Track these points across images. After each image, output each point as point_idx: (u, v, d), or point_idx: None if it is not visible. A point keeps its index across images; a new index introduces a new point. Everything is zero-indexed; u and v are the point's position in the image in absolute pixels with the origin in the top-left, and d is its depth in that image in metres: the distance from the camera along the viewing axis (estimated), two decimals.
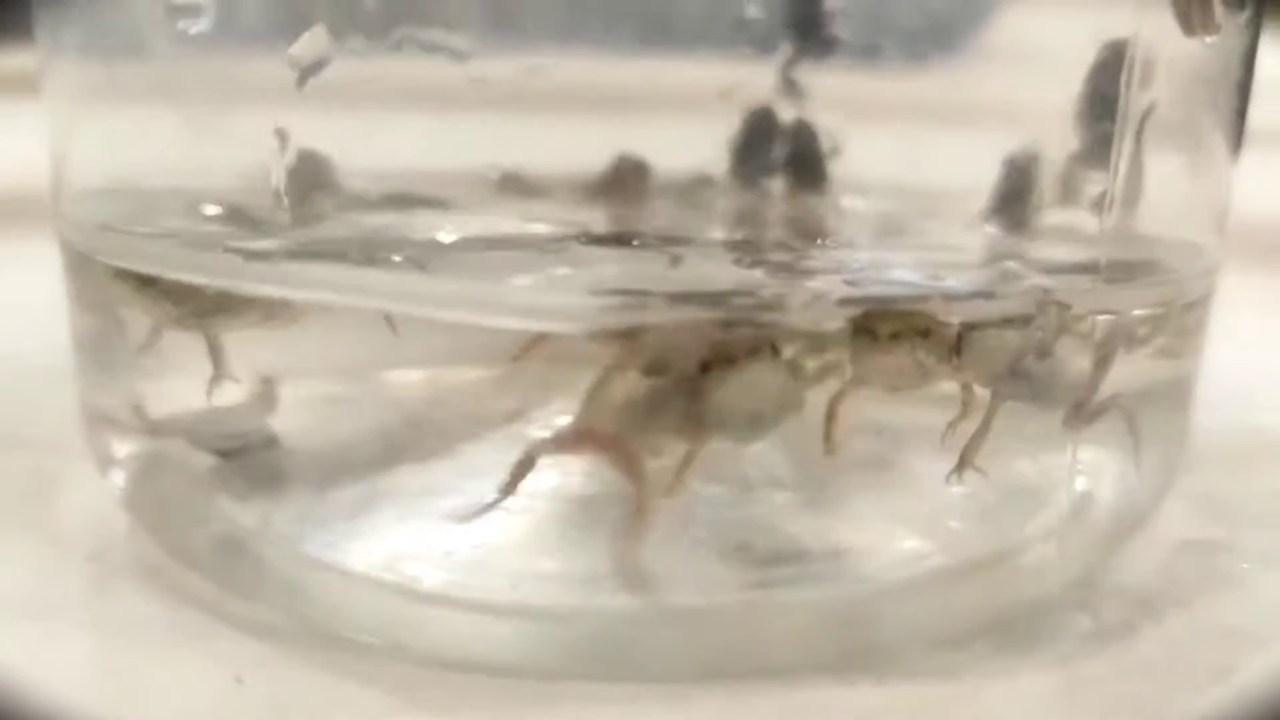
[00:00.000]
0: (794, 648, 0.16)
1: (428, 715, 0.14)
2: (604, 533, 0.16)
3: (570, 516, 0.16)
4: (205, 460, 0.18)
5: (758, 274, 0.18)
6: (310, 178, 0.16)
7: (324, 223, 0.17)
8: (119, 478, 0.18)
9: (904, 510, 0.17)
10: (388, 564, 0.16)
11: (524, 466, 0.15)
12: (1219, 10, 0.15)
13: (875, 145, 0.17)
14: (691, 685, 0.15)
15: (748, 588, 0.16)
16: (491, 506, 0.15)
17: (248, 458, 0.18)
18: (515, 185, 0.18)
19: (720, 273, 0.18)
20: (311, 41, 0.14)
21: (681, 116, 0.17)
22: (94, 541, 0.18)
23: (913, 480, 0.17)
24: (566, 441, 0.15)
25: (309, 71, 0.14)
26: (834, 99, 0.17)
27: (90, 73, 0.17)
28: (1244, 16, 0.17)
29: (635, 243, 0.18)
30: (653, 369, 0.14)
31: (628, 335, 0.15)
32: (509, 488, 0.15)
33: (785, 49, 0.18)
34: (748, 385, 0.15)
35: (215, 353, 0.17)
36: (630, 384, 0.14)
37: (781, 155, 0.19)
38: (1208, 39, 0.15)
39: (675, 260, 0.18)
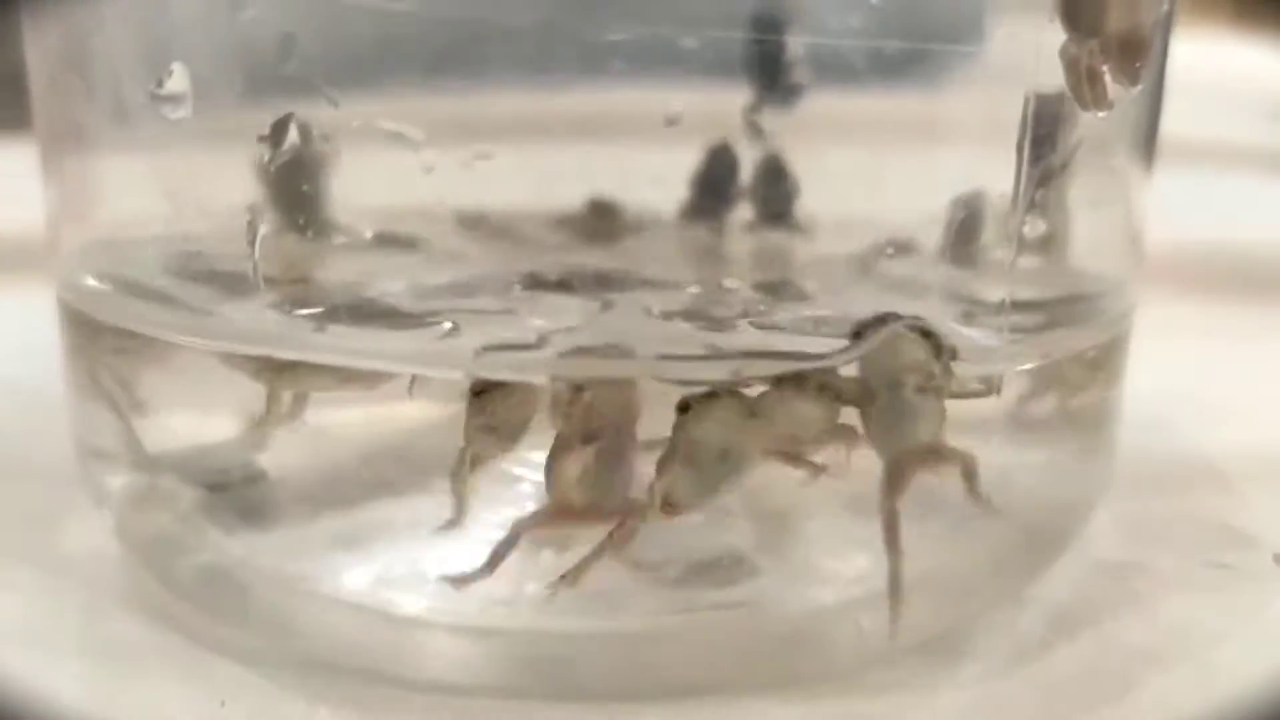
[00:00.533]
0: (732, 667, 0.17)
1: None
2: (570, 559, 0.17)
3: (539, 542, 0.18)
4: (194, 493, 0.19)
5: (681, 326, 0.18)
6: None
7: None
8: (111, 509, 0.20)
9: (835, 533, 0.18)
10: (368, 590, 0.17)
11: (508, 545, 0.16)
12: (1110, 87, 0.16)
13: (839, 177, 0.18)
14: (634, 703, 0.16)
15: (687, 609, 0.17)
16: (475, 578, 0.16)
17: (235, 491, 0.19)
18: (474, 224, 0.19)
19: (644, 325, 0.18)
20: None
21: (643, 148, 0.18)
22: (88, 570, 0.19)
23: (843, 504, 0.18)
24: (545, 519, 0.16)
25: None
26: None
27: (78, 135, 0.19)
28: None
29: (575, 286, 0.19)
30: (589, 436, 0.15)
31: (566, 402, 0.16)
32: (493, 564, 0.16)
33: (748, 95, 0.19)
34: (718, 423, 0.16)
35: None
36: (580, 455, 0.16)
37: (740, 191, 0.20)
38: (1100, 114, 0.17)
39: (606, 306, 0.19)
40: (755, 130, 0.19)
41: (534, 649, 0.17)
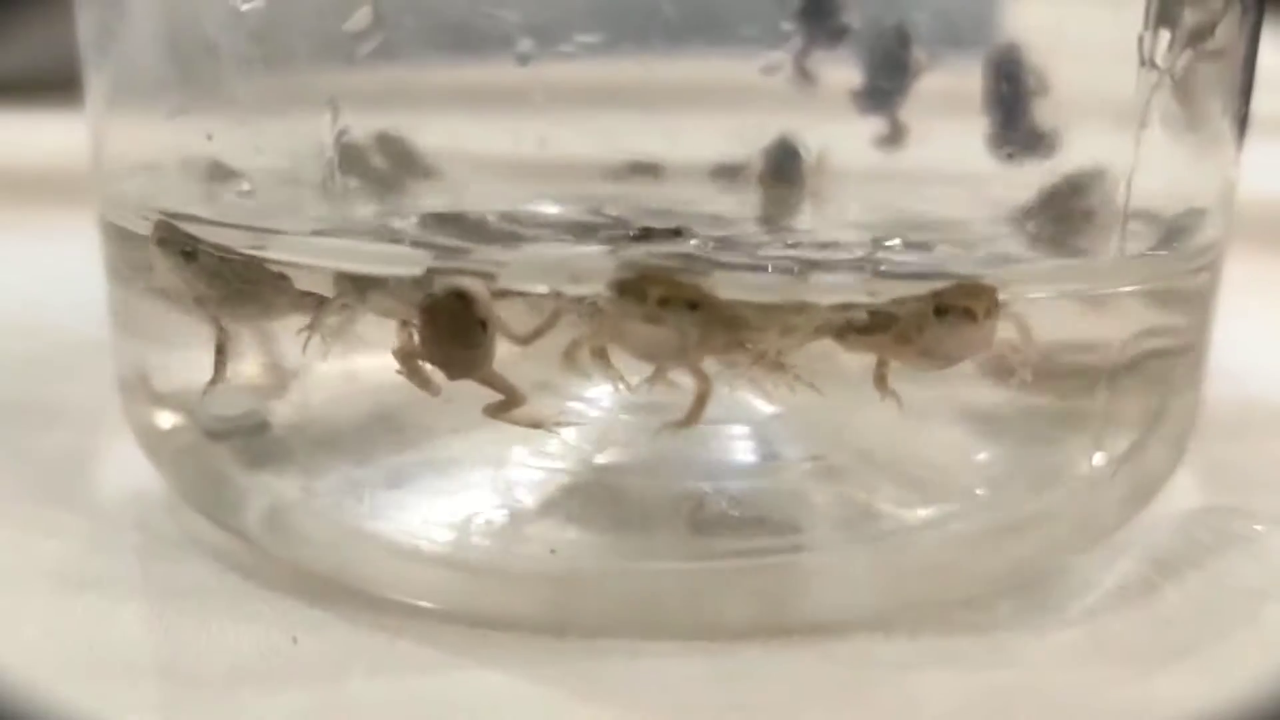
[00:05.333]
0: (835, 604, 0.16)
1: (482, 669, 0.15)
2: (628, 500, 0.17)
3: (596, 485, 0.17)
4: (242, 437, 0.18)
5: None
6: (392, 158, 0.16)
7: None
8: (155, 449, 0.19)
9: (935, 478, 0.17)
10: (429, 532, 0.17)
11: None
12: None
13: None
14: (736, 639, 0.15)
15: (790, 550, 0.16)
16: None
17: (240, 439, 0.18)
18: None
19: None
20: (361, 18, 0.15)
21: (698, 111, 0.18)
22: (136, 512, 0.18)
23: (943, 449, 0.17)
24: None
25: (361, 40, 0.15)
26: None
27: (134, 56, 0.18)
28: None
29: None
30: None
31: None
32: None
33: (797, 40, 0.18)
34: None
35: (220, 349, 0.18)
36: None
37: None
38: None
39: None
40: (805, 76, 0.19)
41: (598, 588, 0.16)
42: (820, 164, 0.20)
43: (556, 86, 0.16)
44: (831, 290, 0.16)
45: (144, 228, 0.18)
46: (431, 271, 0.15)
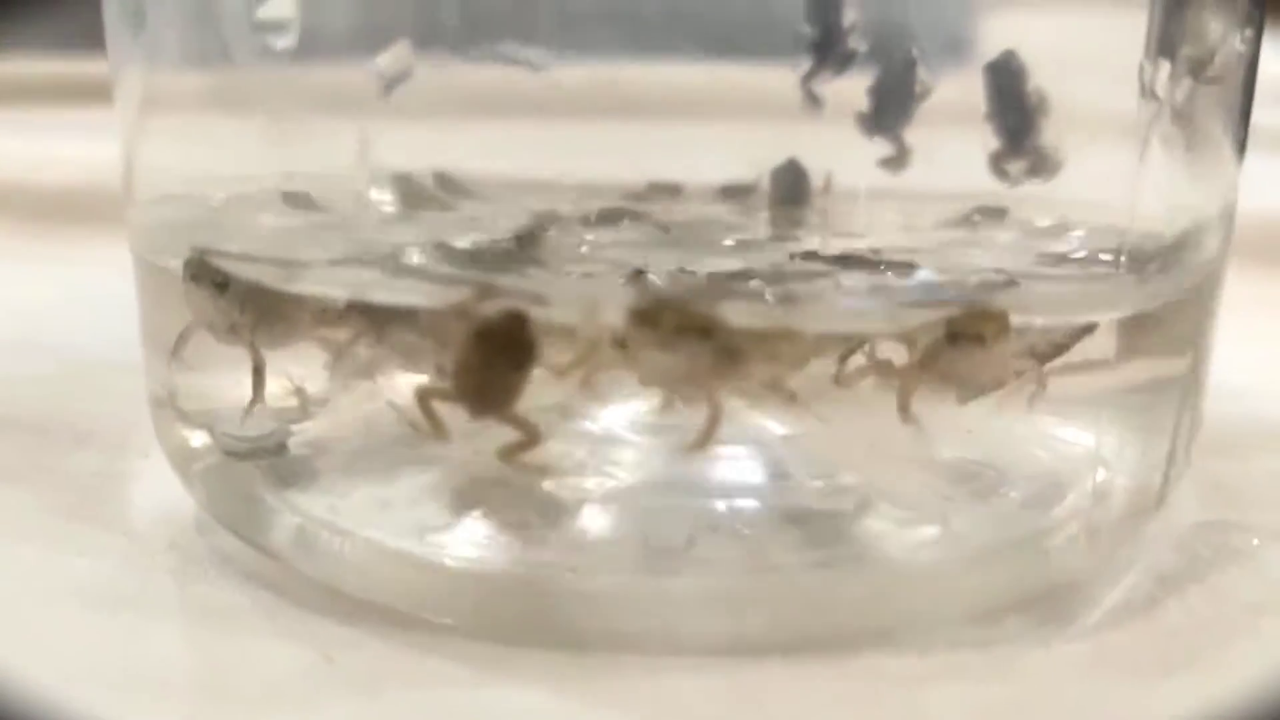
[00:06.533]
0: (846, 621, 0.17)
1: (510, 686, 0.16)
2: (643, 519, 0.17)
3: (612, 505, 0.18)
4: (272, 456, 0.19)
5: None
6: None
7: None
8: (187, 469, 0.19)
9: (943, 497, 0.18)
10: (453, 550, 0.17)
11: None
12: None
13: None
14: (753, 654, 0.16)
15: (801, 567, 0.17)
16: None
17: (266, 459, 0.19)
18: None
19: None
20: (396, 55, 0.16)
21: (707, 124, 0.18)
22: (169, 532, 0.19)
23: (950, 469, 0.18)
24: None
25: (394, 82, 0.15)
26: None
27: (164, 81, 0.18)
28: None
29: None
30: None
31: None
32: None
33: (804, 63, 0.19)
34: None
35: (258, 371, 0.18)
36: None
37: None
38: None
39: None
40: (812, 99, 0.19)
41: (620, 605, 0.17)
42: (827, 185, 0.20)
43: (572, 98, 0.17)
44: (856, 318, 0.17)
45: (175, 264, 0.18)
46: (482, 293, 0.16)
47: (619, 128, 0.18)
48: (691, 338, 0.15)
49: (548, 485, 0.18)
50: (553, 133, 0.17)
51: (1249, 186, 0.19)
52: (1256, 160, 0.20)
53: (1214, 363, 0.20)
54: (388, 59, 0.16)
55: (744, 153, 0.19)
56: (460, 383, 0.16)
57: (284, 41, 0.16)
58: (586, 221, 0.20)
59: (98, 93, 0.20)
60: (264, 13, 0.16)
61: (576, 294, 0.16)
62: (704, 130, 0.18)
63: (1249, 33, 0.18)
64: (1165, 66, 0.17)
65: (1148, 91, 0.17)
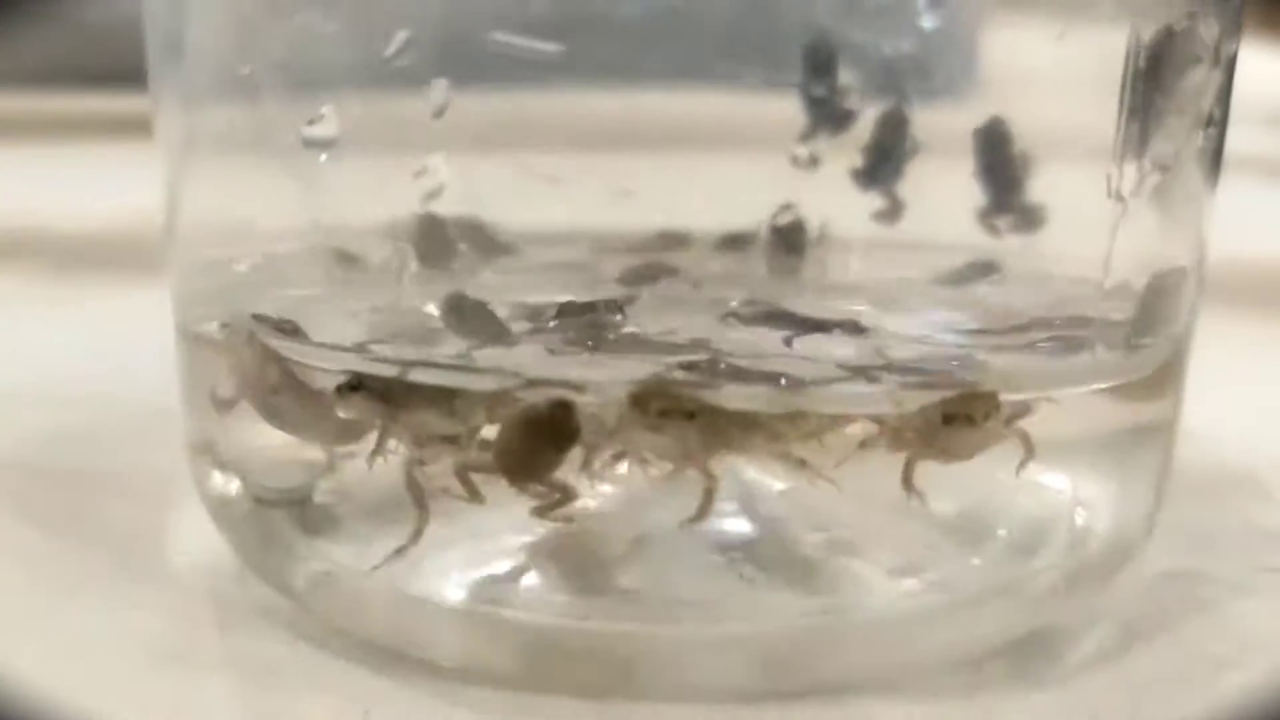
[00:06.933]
0: (839, 667, 0.18)
1: None
2: (652, 571, 0.19)
3: (623, 558, 0.19)
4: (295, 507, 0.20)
5: None
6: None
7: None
8: (223, 517, 0.21)
9: (931, 550, 0.19)
10: (474, 598, 0.19)
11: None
12: None
13: None
14: (752, 703, 0.17)
15: (799, 616, 0.18)
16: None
17: (290, 510, 0.20)
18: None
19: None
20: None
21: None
22: (210, 583, 0.20)
23: (938, 524, 0.19)
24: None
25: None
26: None
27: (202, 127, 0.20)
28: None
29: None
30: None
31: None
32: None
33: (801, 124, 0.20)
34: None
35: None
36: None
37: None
38: None
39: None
40: (810, 158, 0.20)
41: (638, 653, 0.18)
42: (823, 236, 0.22)
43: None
44: (859, 402, 0.18)
45: (210, 331, 0.20)
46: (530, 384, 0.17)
47: (614, 162, 0.19)
48: (678, 420, 0.17)
49: (565, 539, 0.19)
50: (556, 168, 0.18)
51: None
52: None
53: (1188, 407, 0.21)
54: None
55: (743, 192, 0.21)
56: (504, 461, 0.17)
57: (325, 155, 0.17)
58: (626, 281, 0.21)
59: (101, 127, 0.21)
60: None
61: (616, 382, 0.18)
62: (704, 167, 0.20)
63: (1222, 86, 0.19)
64: (1131, 170, 0.18)
65: (1114, 195, 0.18)
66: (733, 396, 0.17)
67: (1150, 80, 0.18)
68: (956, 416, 0.17)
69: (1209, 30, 0.18)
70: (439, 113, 0.17)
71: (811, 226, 0.22)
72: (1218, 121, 0.19)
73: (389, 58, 0.16)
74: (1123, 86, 0.18)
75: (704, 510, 0.18)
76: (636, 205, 0.20)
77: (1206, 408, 0.22)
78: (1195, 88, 0.18)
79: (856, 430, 0.18)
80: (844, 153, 0.21)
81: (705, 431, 0.17)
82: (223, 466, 0.20)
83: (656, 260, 0.22)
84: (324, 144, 0.17)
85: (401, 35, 0.16)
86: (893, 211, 0.21)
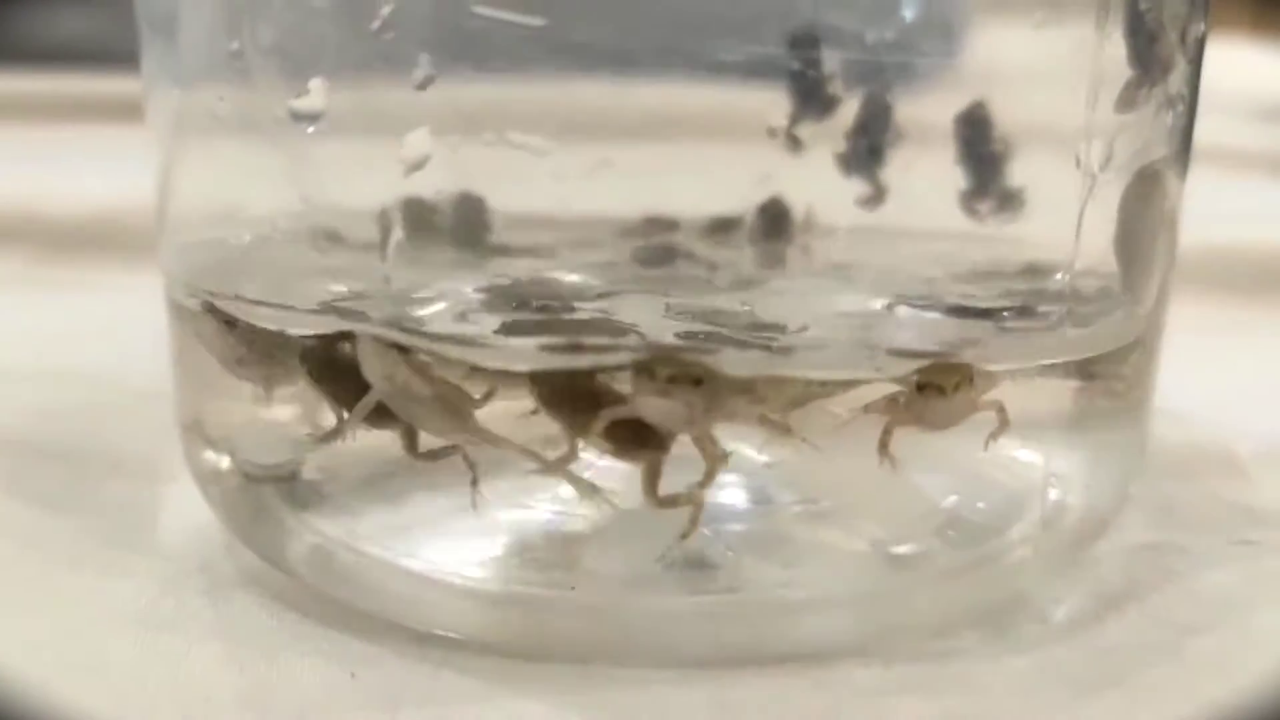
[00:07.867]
0: (820, 635, 0.18)
1: (516, 698, 0.17)
2: (639, 542, 0.19)
3: (610, 529, 0.19)
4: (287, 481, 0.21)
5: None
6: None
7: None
8: (213, 492, 0.21)
9: (910, 521, 0.20)
10: (462, 570, 0.19)
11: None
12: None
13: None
14: (734, 667, 0.18)
15: (781, 585, 0.19)
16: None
17: (279, 485, 0.20)
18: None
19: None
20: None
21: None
22: (200, 554, 0.20)
23: (917, 494, 0.20)
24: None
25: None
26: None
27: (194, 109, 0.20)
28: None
29: None
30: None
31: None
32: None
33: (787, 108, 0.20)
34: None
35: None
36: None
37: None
38: None
39: None
40: (794, 143, 0.21)
41: (617, 621, 0.18)
42: (808, 221, 0.22)
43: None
44: (841, 367, 0.18)
45: (193, 304, 0.20)
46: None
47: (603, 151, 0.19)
48: (686, 385, 0.17)
49: (550, 512, 0.19)
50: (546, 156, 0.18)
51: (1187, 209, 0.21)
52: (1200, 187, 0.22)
53: (1164, 386, 0.21)
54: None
55: (729, 178, 0.21)
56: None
57: (313, 128, 0.17)
58: (641, 260, 0.21)
59: (100, 109, 0.21)
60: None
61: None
62: (688, 154, 0.20)
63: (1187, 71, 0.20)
64: (1098, 146, 0.18)
65: (1083, 169, 0.18)
66: (728, 362, 0.18)
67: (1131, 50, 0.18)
68: (928, 385, 0.18)
69: (1175, 9, 0.18)
70: (422, 85, 0.17)
71: (797, 211, 0.22)
72: (1186, 100, 0.19)
73: (374, 31, 0.17)
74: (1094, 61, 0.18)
75: (708, 481, 0.18)
76: (621, 189, 0.20)
77: (1184, 388, 0.23)
78: (1162, 63, 0.18)
79: (837, 400, 0.18)
80: (830, 138, 0.21)
81: (710, 397, 0.17)
82: (213, 443, 0.21)
83: (663, 242, 0.22)
84: (310, 117, 0.17)
85: (385, 9, 0.17)
86: (876, 197, 0.22)
